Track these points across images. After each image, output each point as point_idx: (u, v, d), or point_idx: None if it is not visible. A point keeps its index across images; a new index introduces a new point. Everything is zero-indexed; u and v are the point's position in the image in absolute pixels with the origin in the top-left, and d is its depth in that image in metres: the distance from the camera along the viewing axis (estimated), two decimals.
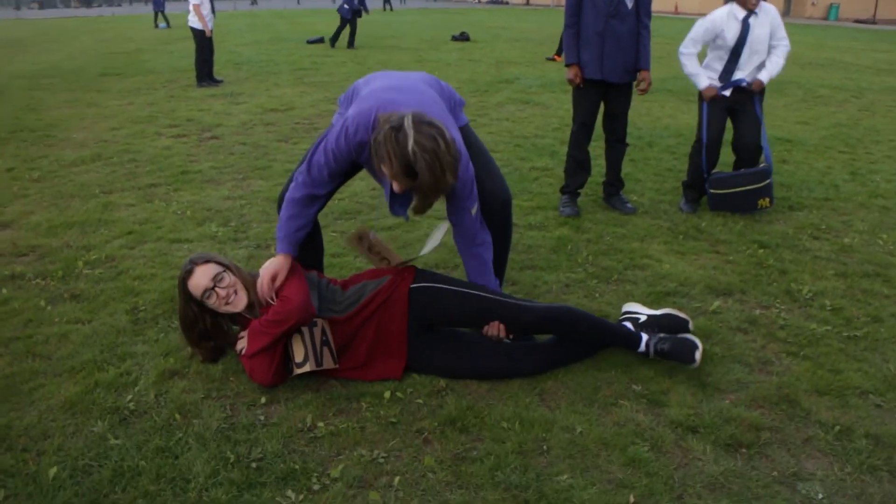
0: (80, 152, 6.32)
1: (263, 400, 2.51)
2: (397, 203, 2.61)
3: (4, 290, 3.43)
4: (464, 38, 18.63)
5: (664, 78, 11.44)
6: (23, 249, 3.99)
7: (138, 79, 11.39)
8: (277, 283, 2.61)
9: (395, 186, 2.35)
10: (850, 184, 5.51)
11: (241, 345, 2.64)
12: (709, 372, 2.77)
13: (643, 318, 2.95)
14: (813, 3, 43.14)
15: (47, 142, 6.80)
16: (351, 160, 2.60)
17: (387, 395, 2.55)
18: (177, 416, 2.39)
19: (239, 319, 2.74)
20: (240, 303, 2.65)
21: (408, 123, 2.26)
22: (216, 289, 2.60)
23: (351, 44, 16.28)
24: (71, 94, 9.83)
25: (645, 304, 3.34)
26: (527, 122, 7.66)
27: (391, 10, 32.28)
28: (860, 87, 11.03)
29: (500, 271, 3.09)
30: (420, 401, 2.54)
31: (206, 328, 2.67)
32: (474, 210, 2.70)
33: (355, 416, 2.44)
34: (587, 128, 4.55)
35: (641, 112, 8.31)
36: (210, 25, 10.50)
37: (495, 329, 2.68)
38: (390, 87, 2.62)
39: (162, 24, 26.20)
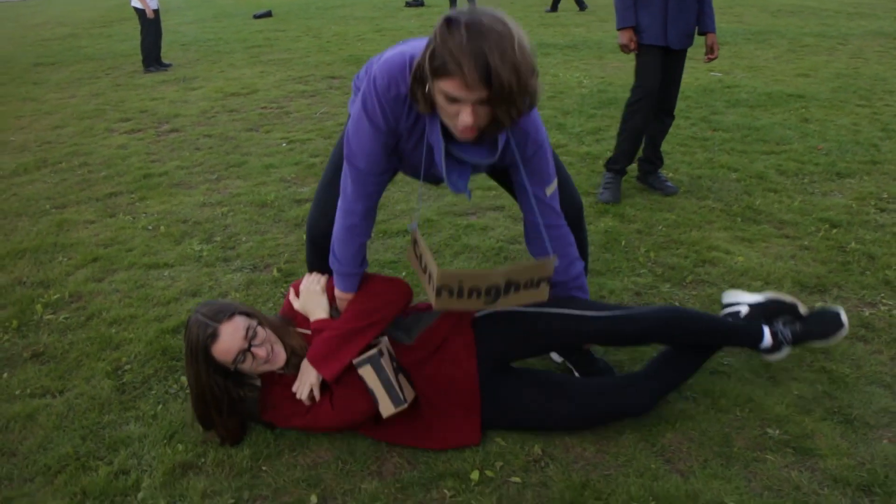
0: (22, 158, 5.51)
1: (314, 499, 1.90)
2: (455, 173, 1.89)
3: None
4: (418, 3, 17.78)
5: None
6: None
7: (77, 67, 10.39)
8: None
9: (465, 115, 1.63)
10: (886, 141, 5.04)
11: (303, 387, 2.04)
12: (848, 402, 2.25)
13: (744, 310, 2.36)
14: None
15: None
16: (388, 136, 1.90)
17: (474, 475, 1.96)
18: None
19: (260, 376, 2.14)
20: (279, 358, 2.07)
21: (467, 13, 1.61)
22: (252, 349, 1.99)
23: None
24: (2, 89, 8.86)
25: None
26: None
27: None
28: (842, 34, 10.64)
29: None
30: (517, 479, 1.95)
31: (232, 401, 2.06)
32: (551, 188, 2.06)
33: None
34: (654, 96, 3.92)
35: (632, 72, 7.71)
36: (154, 4, 9.57)
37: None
38: (416, 40, 1.93)
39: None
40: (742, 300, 2.41)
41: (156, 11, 9.61)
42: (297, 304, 2.23)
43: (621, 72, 7.82)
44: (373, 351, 2.03)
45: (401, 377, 2.07)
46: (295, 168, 4.78)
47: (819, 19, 12.55)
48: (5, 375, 2.55)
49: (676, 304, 2.86)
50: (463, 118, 1.64)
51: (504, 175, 2.16)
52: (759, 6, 14.94)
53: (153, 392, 2.39)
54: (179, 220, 3.97)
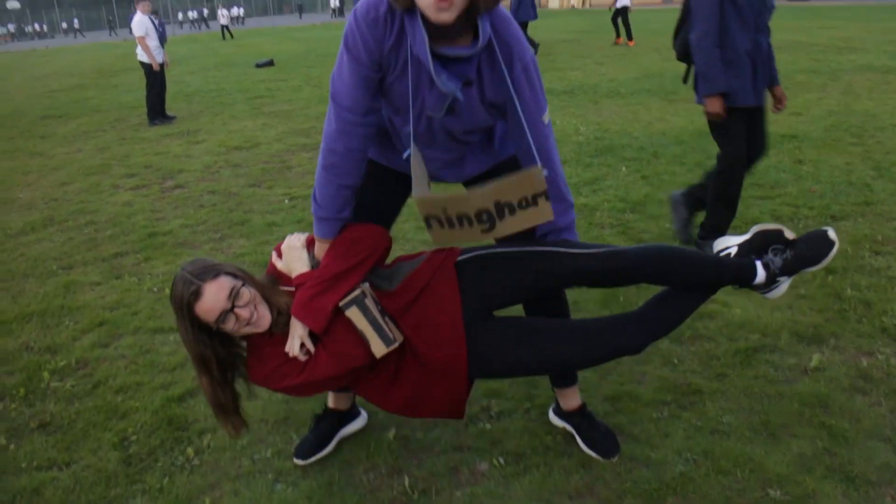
0: (29, 216, 5.60)
1: None
2: (445, 74, 1.87)
3: None
4: None
5: (637, 77, 11.04)
6: None
7: (84, 120, 10.57)
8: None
9: None
10: (879, 181, 5.11)
11: (294, 342, 2.00)
12: (849, 459, 2.26)
13: (734, 250, 2.25)
14: None
15: None
16: (370, 69, 1.89)
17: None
18: None
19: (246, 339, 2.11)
20: (263, 321, 2.01)
21: None
22: (235, 310, 1.95)
23: None
24: (10, 143, 9.02)
25: (733, 365, 2.84)
26: None
27: (231, 37, 31.92)
28: (832, 69, 10.82)
29: None
30: None
31: (220, 362, 2.02)
32: (546, 117, 2.03)
33: None
34: (744, 159, 3.75)
35: (629, 118, 7.86)
36: (160, 58, 9.76)
37: None
38: None
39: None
40: (731, 243, 2.30)
41: (161, 65, 9.80)
42: (279, 265, 2.19)
43: (618, 117, 7.94)
44: (356, 292, 2.00)
45: (387, 319, 2.03)
46: (297, 226, 4.85)
47: (810, 55, 12.73)
48: (12, 447, 2.58)
49: (676, 362, 2.89)
50: None
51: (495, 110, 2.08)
52: None
53: (159, 464, 2.42)
54: None
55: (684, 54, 3.93)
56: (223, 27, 32.92)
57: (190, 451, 2.47)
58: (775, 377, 2.75)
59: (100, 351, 3.29)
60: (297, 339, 1.99)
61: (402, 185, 2.32)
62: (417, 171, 1.95)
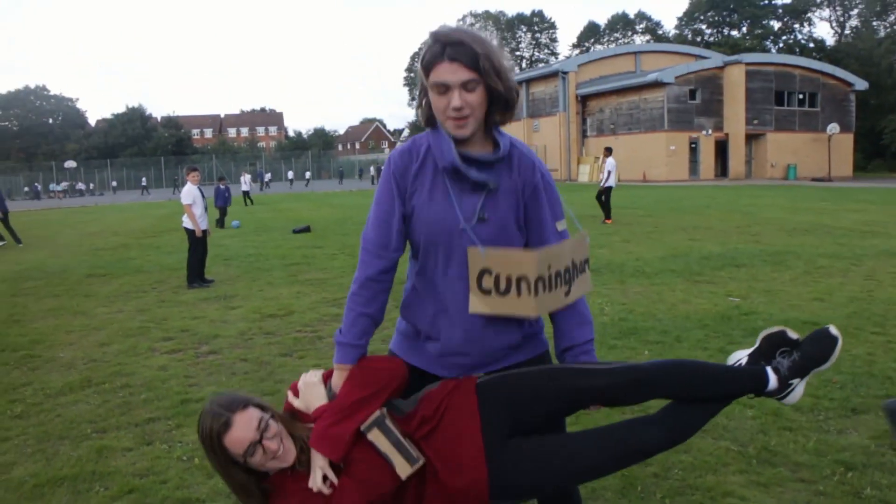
0: (68, 377, 5.83)
1: None
2: (473, 168, 2.15)
3: None
4: None
5: (663, 257, 11.37)
6: None
7: (126, 280, 11.07)
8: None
9: (454, 99, 2.01)
10: None
11: (315, 475, 2.01)
12: None
13: (745, 360, 2.34)
14: (772, 165, 45.26)
15: (32, 364, 6.30)
16: (399, 184, 2.19)
17: None
18: None
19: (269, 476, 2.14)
20: (289, 455, 2.05)
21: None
22: (264, 441, 2.00)
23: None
24: (56, 301, 9.45)
25: None
26: None
27: (252, 203, 32.49)
28: (855, 254, 11.03)
29: None
30: None
31: (248, 492, 2.06)
32: (561, 226, 2.22)
33: None
34: None
35: (654, 299, 8.07)
36: (203, 225, 10.37)
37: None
38: None
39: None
40: (742, 355, 2.39)
41: (204, 232, 10.37)
42: (297, 403, 2.22)
43: (643, 298, 8.15)
44: (376, 414, 2.04)
45: (407, 440, 2.05)
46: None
47: (833, 238, 13.02)
48: None
49: None
50: (453, 102, 2.00)
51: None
52: (777, 225, 15.58)
53: None
54: None
55: None
56: (244, 193, 32.84)
57: None
58: None
59: None
60: (318, 472, 2.01)
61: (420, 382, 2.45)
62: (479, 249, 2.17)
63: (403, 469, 2.01)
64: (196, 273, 10.20)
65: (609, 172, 17.65)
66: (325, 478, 2.02)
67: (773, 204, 22.27)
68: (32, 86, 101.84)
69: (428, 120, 2.17)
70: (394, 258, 2.23)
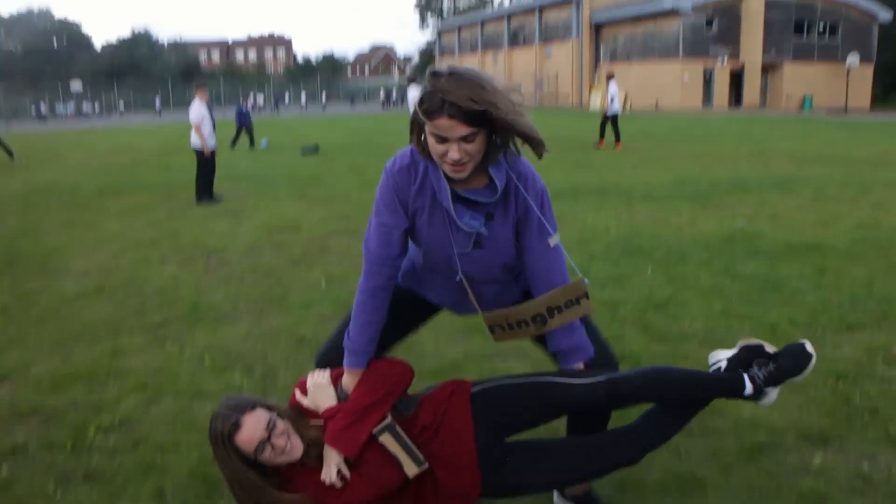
0: (82, 284, 5.96)
1: None
2: (466, 214, 2.19)
3: (4, 468, 3.00)
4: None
5: (672, 181, 11.35)
6: (24, 411, 3.57)
7: (137, 196, 11.16)
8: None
9: (452, 152, 1.98)
10: None
11: (330, 469, 2.20)
12: None
13: (724, 364, 2.48)
14: (788, 97, 44.49)
15: (46, 272, 6.44)
16: (399, 203, 2.22)
17: None
18: None
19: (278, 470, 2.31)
20: (296, 450, 2.23)
21: (448, 65, 2.02)
22: (272, 440, 2.17)
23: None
24: (68, 215, 9.56)
25: (739, 461, 2.96)
26: None
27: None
28: (865, 183, 10.96)
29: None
30: None
31: (257, 489, 2.21)
32: (554, 240, 2.31)
33: None
34: None
35: (660, 221, 8.11)
36: (211, 144, 10.36)
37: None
38: None
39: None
40: (721, 357, 2.53)
41: (212, 151, 10.38)
42: (305, 402, 2.38)
43: (649, 220, 8.19)
44: (387, 419, 2.23)
45: (411, 443, 2.25)
46: (333, 305, 5.12)
47: (844, 168, 12.93)
48: (59, 495, 2.79)
49: (683, 453, 3.03)
50: (451, 154, 1.99)
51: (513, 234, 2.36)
52: (788, 154, 15.45)
53: None
54: (223, 353, 4.28)
55: None
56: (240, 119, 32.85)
57: None
58: (778, 474, 2.87)
59: (141, 412, 3.52)
60: (333, 467, 2.21)
61: (423, 309, 2.63)
62: (470, 294, 2.32)
63: (411, 469, 2.22)
64: (205, 190, 10.26)
65: (612, 98, 17.45)
66: (338, 472, 2.21)
67: (785, 134, 22.04)
68: (36, 9, 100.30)
69: (425, 151, 2.14)
70: (398, 263, 2.34)
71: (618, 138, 17.41)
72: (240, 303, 5.30)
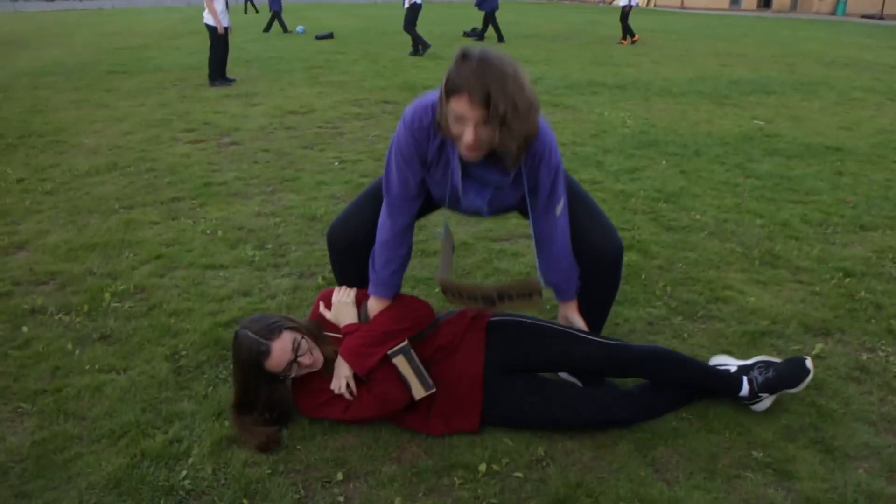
0: (94, 160, 5.96)
1: (340, 476, 2.17)
2: (473, 191, 2.27)
3: (25, 328, 3.09)
4: (475, 34, 18.22)
5: (691, 78, 11.08)
6: (42, 276, 3.64)
7: (147, 77, 11.00)
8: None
9: (468, 133, 1.97)
10: None
11: (339, 381, 2.34)
12: (832, 434, 2.44)
13: (733, 368, 2.62)
14: None
15: (58, 148, 6.43)
16: (417, 157, 2.25)
17: (481, 467, 2.21)
18: (244, 501, 2.05)
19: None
20: (318, 362, 2.37)
21: (480, 48, 2.00)
22: (298, 359, 2.29)
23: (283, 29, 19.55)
24: (78, 94, 9.46)
25: (739, 345, 3.02)
26: (560, 128, 7.30)
27: (256, 11, 30.02)
28: (893, 89, 10.69)
29: (601, 323, 2.74)
30: (520, 474, 2.20)
31: (270, 401, 2.36)
32: (560, 208, 2.37)
33: (449, 496, 2.11)
34: None
35: (677, 116, 7.97)
36: (225, 22, 10.11)
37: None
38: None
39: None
40: (730, 363, 2.67)
41: (226, 29, 10.14)
42: (328, 315, 2.49)
43: (666, 114, 8.05)
44: (404, 343, 2.34)
45: (423, 368, 2.36)
46: (345, 186, 5.12)
47: (872, 73, 12.57)
48: (77, 352, 2.88)
49: (686, 336, 3.08)
50: (466, 136, 1.99)
51: (522, 200, 2.43)
52: (814, 57, 15.01)
53: (205, 376, 2.70)
54: (235, 227, 4.32)
55: None
56: (246, 1, 31.58)
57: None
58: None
59: (156, 280, 3.59)
60: (342, 379, 2.33)
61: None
62: (444, 253, 2.44)
63: (419, 392, 2.33)
64: (217, 71, 10.09)
65: None
66: (346, 385, 2.33)
67: (814, 37, 21.33)
68: None
69: (443, 128, 2.09)
70: (419, 203, 2.38)
71: (625, 35, 17.09)
72: (252, 182, 5.30)
